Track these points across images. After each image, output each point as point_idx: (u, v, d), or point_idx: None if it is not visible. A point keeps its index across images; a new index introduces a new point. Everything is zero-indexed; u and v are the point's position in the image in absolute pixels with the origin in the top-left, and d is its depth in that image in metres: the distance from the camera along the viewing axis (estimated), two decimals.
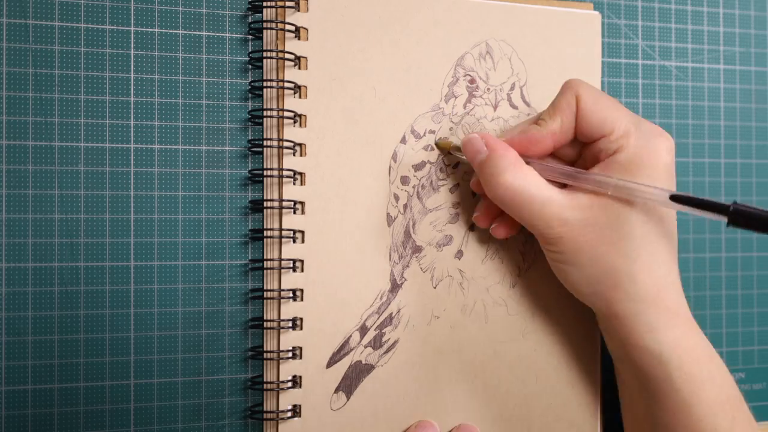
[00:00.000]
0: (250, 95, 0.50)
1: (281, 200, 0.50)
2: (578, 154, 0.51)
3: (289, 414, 0.50)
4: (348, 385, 0.51)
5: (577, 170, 0.48)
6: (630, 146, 0.47)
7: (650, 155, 0.46)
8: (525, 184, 0.47)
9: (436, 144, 0.52)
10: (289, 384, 0.50)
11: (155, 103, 0.49)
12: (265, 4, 0.50)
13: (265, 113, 0.50)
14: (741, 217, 0.41)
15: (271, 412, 0.49)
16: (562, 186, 0.48)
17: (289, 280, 0.50)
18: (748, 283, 0.62)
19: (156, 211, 0.49)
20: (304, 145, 0.50)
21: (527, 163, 0.48)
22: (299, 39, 0.50)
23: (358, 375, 0.51)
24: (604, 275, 0.46)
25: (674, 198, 0.44)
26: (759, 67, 0.62)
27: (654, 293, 0.46)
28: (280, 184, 0.50)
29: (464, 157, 0.50)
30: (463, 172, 0.53)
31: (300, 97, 0.50)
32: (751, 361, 0.61)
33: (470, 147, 0.49)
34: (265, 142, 0.50)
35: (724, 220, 0.41)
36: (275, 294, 0.49)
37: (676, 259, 0.48)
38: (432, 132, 0.52)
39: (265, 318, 0.50)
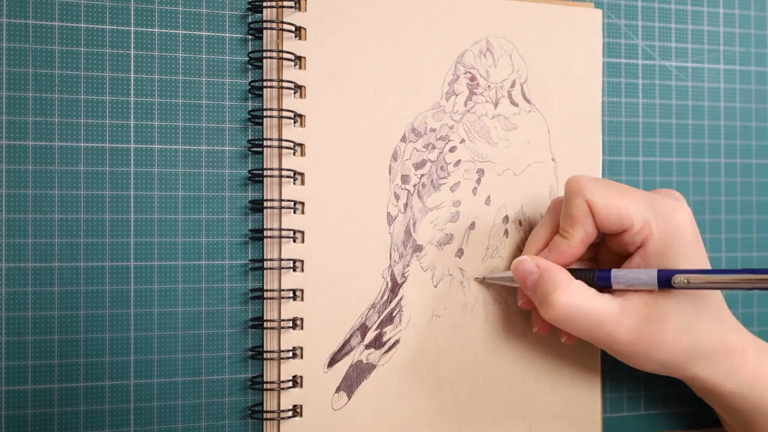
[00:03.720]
0: (249, 95, 0.50)
1: (281, 200, 0.50)
2: (603, 244, 0.52)
3: (290, 414, 0.49)
4: (349, 384, 0.51)
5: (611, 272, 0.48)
6: (654, 234, 0.47)
7: (676, 236, 0.47)
8: (578, 301, 0.47)
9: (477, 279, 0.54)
10: (290, 384, 0.49)
11: (155, 103, 0.49)
12: (264, 4, 0.50)
13: (265, 113, 0.50)
14: None
15: (271, 411, 0.49)
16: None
17: (290, 279, 0.50)
18: None
19: (156, 211, 0.49)
20: (304, 144, 0.50)
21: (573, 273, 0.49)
22: (299, 39, 0.50)
23: (359, 374, 0.51)
24: (674, 357, 0.48)
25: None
26: (759, 67, 0.62)
27: (719, 347, 0.48)
28: (280, 184, 0.50)
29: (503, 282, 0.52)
30: (464, 170, 0.53)
31: (300, 96, 0.50)
32: None
33: (521, 268, 0.49)
34: (265, 142, 0.50)
35: None
36: (275, 294, 0.49)
37: (724, 303, 0.49)
38: (433, 130, 0.52)
39: (265, 318, 0.50)
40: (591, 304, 0.47)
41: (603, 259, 0.52)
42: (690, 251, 0.47)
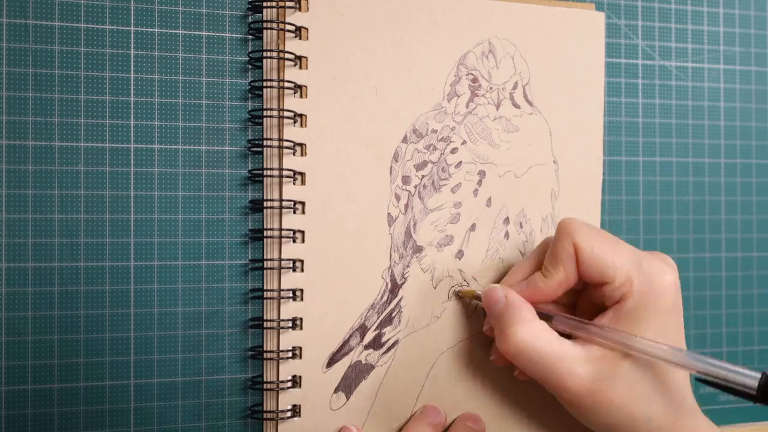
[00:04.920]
0: (250, 95, 0.50)
1: (281, 200, 0.50)
2: (583, 292, 0.50)
3: (289, 414, 0.50)
4: (348, 385, 0.51)
5: (588, 324, 0.46)
6: (633, 293, 0.46)
7: (656, 299, 0.45)
8: (534, 340, 0.46)
9: (457, 293, 0.53)
10: (289, 384, 0.50)
11: (155, 103, 0.49)
12: (265, 4, 0.50)
13: (265, 113, 0.50)
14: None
15: (270, 411, 0.49)
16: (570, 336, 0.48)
17: (289, 280, 0.50)
18: (748, 283, 0.62)
19: (156, 211, 0.49)
20: (305, 144, 0.50)
21: (541, 314, 0.48)
22: (300, 39, 0.50)
23: (357, 375, 0.51)
24: (617, 422, 0.46)
25: (698, 379, 0.43)
26: (759, 67, 0.62)
27: (670, 427, 0.45)
28: (281, 184, 0.50)
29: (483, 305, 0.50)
30: (465, 172, 0.53)
31: (300, 96, 0.50)
32: (751, 361, 0.61)
33: (489, 296, 0.49)
34: (265, 142, 0.50)
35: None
36: (275, 294, 0.49)
37: (689, 386, 0.47)
38: (434, 131, 0.52)
39: (265, 318, 0.50)
40: (547, 346, 0.46)
41: (581, 308, 0.51)
42: (665, 320, 0.45)
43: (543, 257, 0.50)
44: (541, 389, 0.54)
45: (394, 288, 0.52)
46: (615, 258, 0.46)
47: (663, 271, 0.46)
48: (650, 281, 0.46)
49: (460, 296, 0.53)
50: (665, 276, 0.46)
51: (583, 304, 0.50)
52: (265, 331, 0.50)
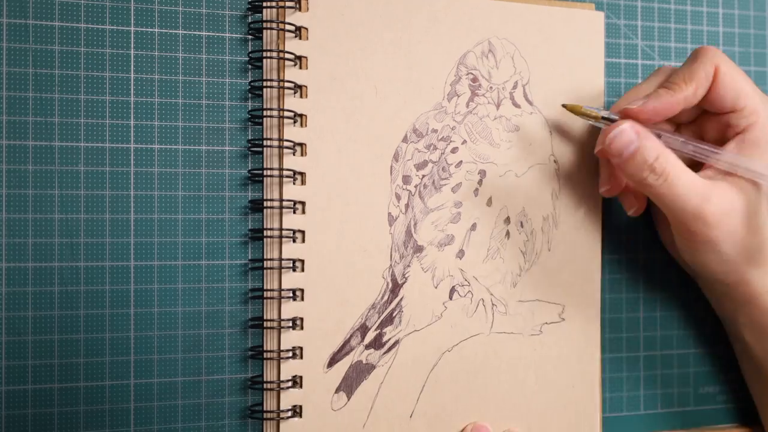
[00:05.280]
0: (249, 95, 0.50)
1: (281, 200, 0.50)
2: (694, 120, 0.53)
3: (290, 414, 0.49)
4: (349, 385, 0.51)
5: (713, 150, 0.49)
6: (760, 123, 0.48)
7: None
8: (679, 169, 0.47)
9: (564, 105, 0.53)
10: (290, 384, 0.49)
11: (155, 103, 0.49)
12: (265, 3, 0.50)
13: (265, 113, 0.50)
14: None
15: (271, 411, 0.49)
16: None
17: (290, 279, 0.50)
18: None
19: (156, 211, 0.49)
20: (305, 144, 0.50)
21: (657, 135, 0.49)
22: (299, 38, 0.50)
23: (358, 375, 0.51)
24: (739, 253, 0.48)
25: None
26: (758, 67, 0.62)
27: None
28: (281, 184, 0.50)
29: (594, 123, 0.52)
30: (465, 171, 0.53)
31: (300, 96, 0.50)
32: None
33: (622, 139, 0.48)
34: (265, 142, 0.50)
35: None
36: (275, 294, 0.49)
37: None
38: (435, 131, 0.52)
39: (265, 318, 0.50)
40: (690, 174, 0.47)
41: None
42: None
43: (656, 84, 0.50)
44: (542, 390, 0.54)
45: (395, 288, 0.52)
46: (748, 89, 0.49)
47: None
48: None
49: (569, 110, 0.53)
50: None
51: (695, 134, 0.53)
52: (265, 331, 0.50)
